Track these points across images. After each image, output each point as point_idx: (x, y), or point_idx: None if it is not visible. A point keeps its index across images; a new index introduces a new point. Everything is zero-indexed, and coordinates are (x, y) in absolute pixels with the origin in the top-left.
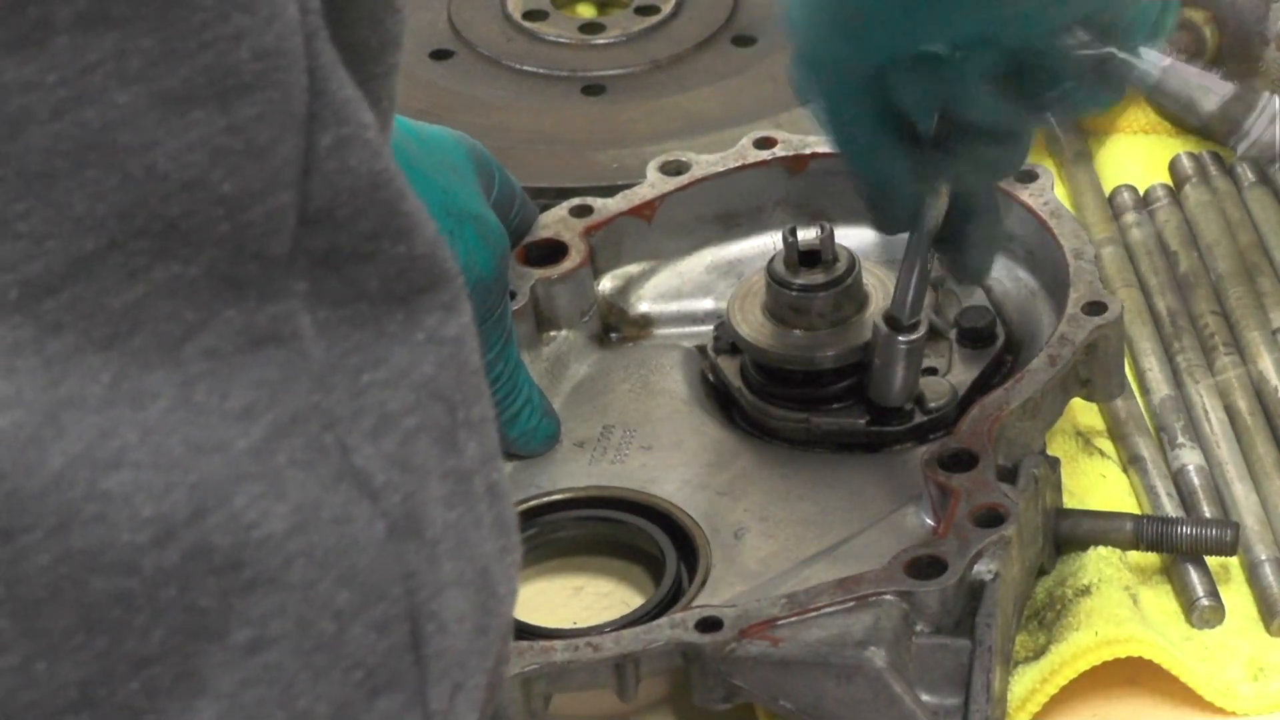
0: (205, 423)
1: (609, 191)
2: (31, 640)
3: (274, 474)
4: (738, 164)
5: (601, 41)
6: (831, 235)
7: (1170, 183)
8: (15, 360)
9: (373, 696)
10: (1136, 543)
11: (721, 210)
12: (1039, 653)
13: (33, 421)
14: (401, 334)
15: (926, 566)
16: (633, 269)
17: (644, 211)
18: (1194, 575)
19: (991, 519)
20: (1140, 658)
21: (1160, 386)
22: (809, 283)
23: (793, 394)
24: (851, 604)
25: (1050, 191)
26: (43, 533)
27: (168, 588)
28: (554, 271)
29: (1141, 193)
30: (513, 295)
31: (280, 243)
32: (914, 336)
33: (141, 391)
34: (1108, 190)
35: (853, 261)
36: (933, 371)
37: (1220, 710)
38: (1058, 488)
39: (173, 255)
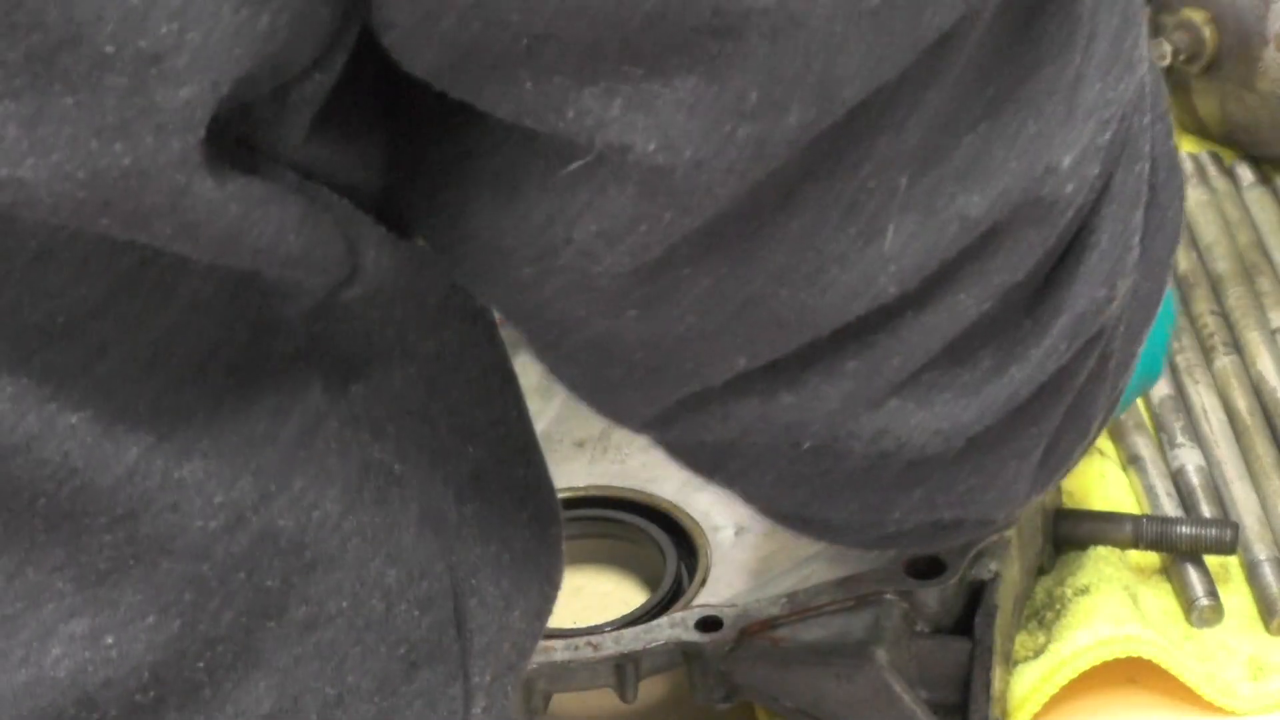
0: (243, 422)
1: None
2: (95, 609)
3: (319, 459)
4: None
5: None
6: None
7: None
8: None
9: (413, 669)
10: (1136, 542)
11: None
12: (1039, 652)
13: (98, 426)
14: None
15: (926, 566)
16: None
17: None
18: (1193, 575)
19: None
20: (1140, 658)
21: (1160, 386)
22: None
23: None
24: (851, 603)
25: None
26: (107, 519)
27: (238, 572)
28: None
29: None
30: None
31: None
32: None
33: (179, 407)
34: None
35: None
36: None
37: (1220, 710)
38: (1058, 487)
39: (191, 270)
